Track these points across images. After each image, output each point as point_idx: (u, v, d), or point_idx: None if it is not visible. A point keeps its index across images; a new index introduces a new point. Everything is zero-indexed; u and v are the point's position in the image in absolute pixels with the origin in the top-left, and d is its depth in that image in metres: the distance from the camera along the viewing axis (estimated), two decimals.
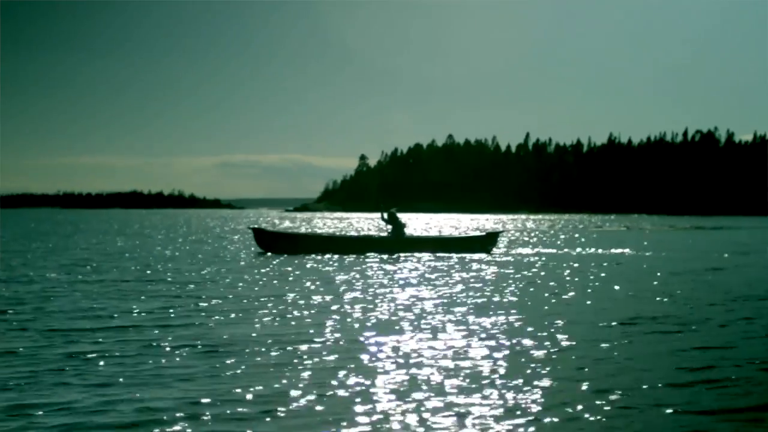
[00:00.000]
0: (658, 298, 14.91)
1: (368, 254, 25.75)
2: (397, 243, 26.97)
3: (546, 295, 15.32)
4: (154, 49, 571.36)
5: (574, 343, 10.02)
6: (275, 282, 16.79)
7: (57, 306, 12.18)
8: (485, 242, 28.30)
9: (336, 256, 24.98)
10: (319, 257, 24.62)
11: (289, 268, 20.32)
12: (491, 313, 12.38)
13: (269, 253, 26.59)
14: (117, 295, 13.80)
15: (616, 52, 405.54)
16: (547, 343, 9.98)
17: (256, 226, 30.24)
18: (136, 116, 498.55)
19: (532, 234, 48.75)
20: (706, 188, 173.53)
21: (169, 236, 41.69)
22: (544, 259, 25.69)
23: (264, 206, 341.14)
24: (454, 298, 14.39)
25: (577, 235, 47.15)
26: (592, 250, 31.29)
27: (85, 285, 15.08)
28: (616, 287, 16.89)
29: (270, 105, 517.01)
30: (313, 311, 12.34)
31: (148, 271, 19.05)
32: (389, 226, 27.37)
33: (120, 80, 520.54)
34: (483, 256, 25.99)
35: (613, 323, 11.80)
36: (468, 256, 25.69)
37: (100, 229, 52.94)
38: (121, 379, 7.69)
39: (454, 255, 25.81)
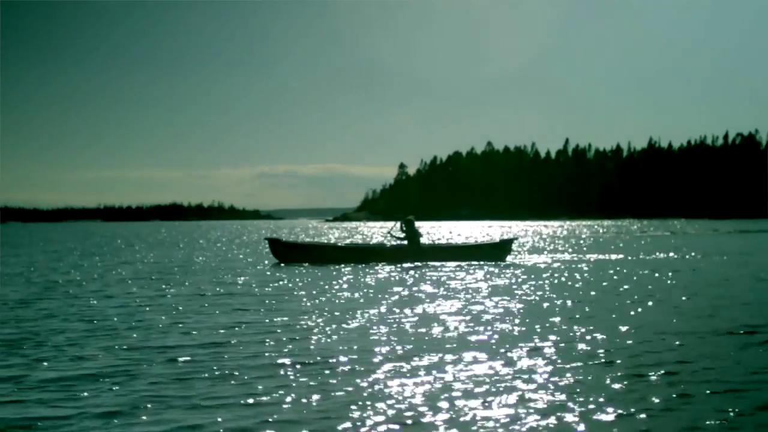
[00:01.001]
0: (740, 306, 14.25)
1: (383, 264, 25.60)
2: (412, 252, 26.81)
3: (627, 302, 14.88)
4: (192, 62, 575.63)
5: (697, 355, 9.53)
6: (310, 292, 16.67)
7: (151, 321, 12.08)
8: (499, 250, 28.01)
9: (350, 266, 24.90)
10: (337, 267, 24.52)
11: (303, 279, 20.23)
12: (555, 325, 11.94)
13: (283, 264, 26.44)
14: (198, 308, 13.86)
15: (656, 56, 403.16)
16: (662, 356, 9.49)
17: (271, 236, 30.21)
18: (176, 129, 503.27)
19: (584, 240, 48.42)
20: (747, 191, 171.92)
21: (206, 245, 41.88)
22: (590, 265, 25.55)
23: (304, 216, 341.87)
24: (512, 307, 13.97)
25: (623, 241, 46.88)
26: (662, 255, 30.94)
27: (167, 299, 14.96)
28: (688, 296, 16.16)
29: (308, 115, 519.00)
30: (347, 322, 12.13)
31: (211, 284, 19.15)
32: (404, 235, 27.17)
33: (159, 94, 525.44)
34: (496, 263, 25.81)
35: (708, 332, 11.27)
36: (483, 263, 25.58)
37: (154, 242, 53.36)
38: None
39: (468, 263, 25.59)
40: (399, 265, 24.94)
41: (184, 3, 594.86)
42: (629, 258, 29.53)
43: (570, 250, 35.89)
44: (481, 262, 25.89)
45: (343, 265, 25.06)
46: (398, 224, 27.81)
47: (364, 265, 25.31)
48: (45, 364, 8.94)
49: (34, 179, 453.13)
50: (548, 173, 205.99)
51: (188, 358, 9.12)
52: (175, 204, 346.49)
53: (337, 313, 13.08)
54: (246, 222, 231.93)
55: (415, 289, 17.37)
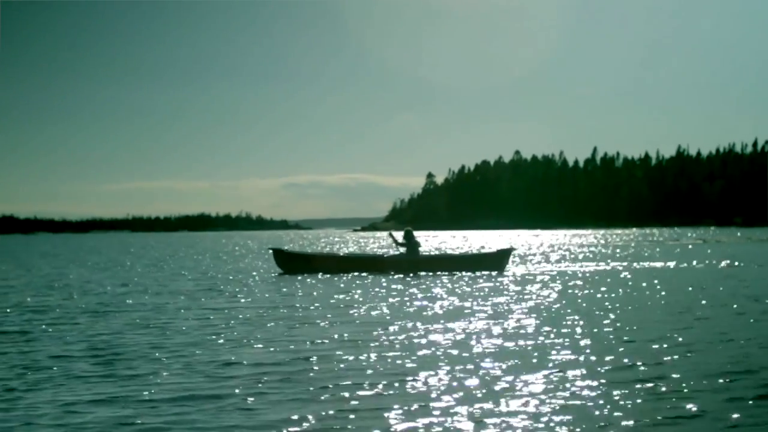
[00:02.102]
0: None
1: (383, 274, 25.48)
2: (411, 262, 26.74)
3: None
4: (219, 75, 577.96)
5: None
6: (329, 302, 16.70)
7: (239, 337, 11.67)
8: (497, 260, 27.85)
9: (348, 276, 24.95)
10: (337, 276, 24.54)
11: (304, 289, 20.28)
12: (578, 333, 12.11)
13: (287, 274, 26.49)
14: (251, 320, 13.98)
15: (684, 62, 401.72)
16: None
17: (275, 247, 30.13)
18: (204, 141, 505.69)
19: (616, 248, 48.26)
20: None
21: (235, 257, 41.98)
22: (626, 275, 25.49)
23: (331, 226, 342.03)
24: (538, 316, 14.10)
25: (656, 249, 46.70)
26: (713, 263, 30.65)
27: (237, 312, 14.77)
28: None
29: (334, 126, 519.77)
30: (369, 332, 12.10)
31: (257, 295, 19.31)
32: (402, 248, 27.09)
33: (186, 106, 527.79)
34: (495, 273, 25.52)
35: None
36: (481, 273, 25.29)
37: (193, 252, 53.61)
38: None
39: (468, 273, 25.39)
40: (400, 276, 24.86)
41: (212, 17, 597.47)
42: (634, 266, 29.37)
43: (597, 259, 35.77)
44: (479, 273, 25.63)
45: (344, 275, 25.06)
46: (393, 235, 27.83)
47: (366, 274, 25.33)
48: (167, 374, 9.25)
49: (63, 191, 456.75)
50: (577, 182, 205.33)
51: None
52: (203, 215, 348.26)
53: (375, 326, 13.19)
54: (274, 232, 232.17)
55: (423, 298, 17.49)
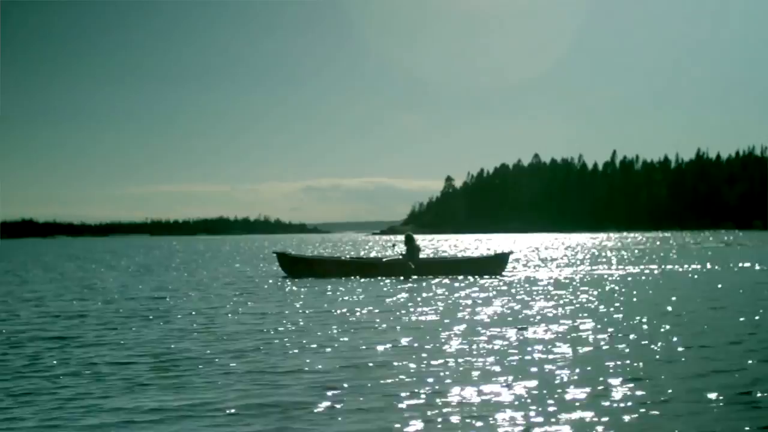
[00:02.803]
0: None
1: (384, 278, 25.56)
2: (411, 266, 26.66)
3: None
4: (239, 79, 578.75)
5: None
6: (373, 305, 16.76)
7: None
8: (495, 263, 27.77)
9: (349, 279, 25.13)
10: (342, 280, 24.65)
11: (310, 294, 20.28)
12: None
13: (291, 277, 26.71)
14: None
15: (701, 65, 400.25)
16: None
17: (279, 250, 30.31)
18: (222, 144, 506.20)
19: (653, 252, 48.00)
20: None
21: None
22: (659, 277, 25.42)
23: (350, 230, 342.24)
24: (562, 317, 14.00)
25: (674, 252, 46.46)
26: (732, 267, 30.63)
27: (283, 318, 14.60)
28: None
29: (353, 129, 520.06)
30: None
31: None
32: (404, 249, 27.17)
33: (205, 110, 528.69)
34: (493, 277, 25.59)
35: None
36: (479, 278, 25.22)
37: (219, 256, 53.82)
38: None
39: (466, 277, 25.38)
40: (400, 279, 24.94)
41: (233, 21, 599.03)
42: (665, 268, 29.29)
43: (612, 262, 35.68)
44: (478, 277, 25.58)
45: (344, 279, 25.20)
46: (396, 242, 27.92)
47: (368, 278, 25.40)
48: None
49: (82, 194, 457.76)
50: (596, 185, 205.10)
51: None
52: (222, 218, 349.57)
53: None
54: (292, 236, 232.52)
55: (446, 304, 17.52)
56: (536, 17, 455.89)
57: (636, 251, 48.77)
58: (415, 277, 25.80)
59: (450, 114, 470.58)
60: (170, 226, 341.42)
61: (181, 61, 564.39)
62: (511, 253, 29.58)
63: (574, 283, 22.56)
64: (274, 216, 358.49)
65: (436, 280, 24.44)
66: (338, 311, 15.30)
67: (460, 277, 25.15)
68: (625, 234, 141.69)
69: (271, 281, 24.91)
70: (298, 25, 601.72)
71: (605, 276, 25.90)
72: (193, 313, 15.40)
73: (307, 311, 15.42)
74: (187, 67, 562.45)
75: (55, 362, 9.92)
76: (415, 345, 11.00)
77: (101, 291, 21.55)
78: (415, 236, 27.62)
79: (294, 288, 21.68)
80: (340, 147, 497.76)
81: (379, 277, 25.65)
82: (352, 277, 25.66)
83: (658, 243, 72.14)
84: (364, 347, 10.84)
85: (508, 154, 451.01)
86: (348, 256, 31.75)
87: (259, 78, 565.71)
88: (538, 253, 46.75)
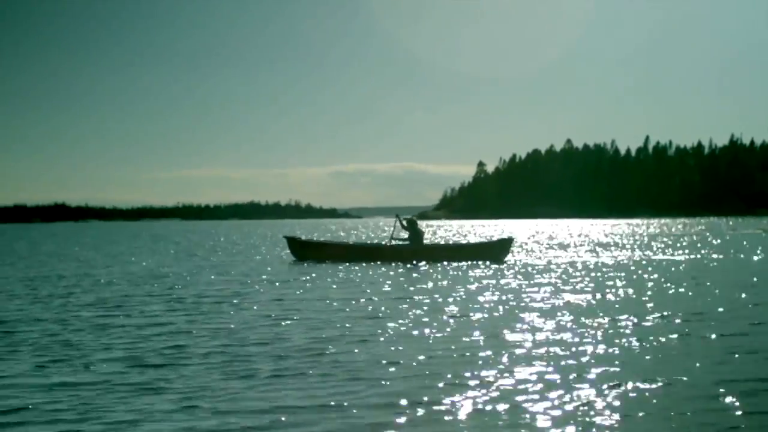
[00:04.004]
0: None
1: (389, 262, 25.78)
2: (412, 252, 26.97)
3: None
4: (267, 63, 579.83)
5: None
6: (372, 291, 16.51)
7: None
8: (498, 250, 27.78)
9: (359, 263, 25.49)
10: (347, 265, 24.87)
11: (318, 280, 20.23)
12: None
13: (300, 261, 27.35)
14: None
15: (735, 50, 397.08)
16: None
17: (289, 235, 30.75)
18: (253, 128, 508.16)
19: (682, 238, 47.49)
20: None
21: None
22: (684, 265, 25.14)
23: (380, 215, 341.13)
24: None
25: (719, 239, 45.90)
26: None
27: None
28: None
29: (383, 114, 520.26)
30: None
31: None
32: (407, 235, 27.33)
33: (236, 94, 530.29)
34: (496, 263, 25.44)
35: None
36: (481, 263, 25.20)
37: (259, 240, 53.81)
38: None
39: (467, 263, 25.35)
40: (404, 264, 25.17)
41: (258, 4, 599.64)
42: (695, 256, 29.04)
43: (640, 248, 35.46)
44: (480, 262, 25.56)
45: (351, 264, 25.49)
46: (397, 223, 28.09)
47: (375, 263, 25.73)
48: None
49: (114, 178, 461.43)
50: (628, 171, 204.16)
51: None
52: (252, 203, 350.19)
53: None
54: (323, 221, 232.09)
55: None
56: (569, 4, 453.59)
57: (683, 239, 48.29)
58: (421, 262, 25.92)
59: (481, 99, 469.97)
60: (201, 211, 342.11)
61: (213, 46, 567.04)
62: (512, 239, 29.69)
63: (621, 269, 22.44)
64: (305, 201, 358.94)
65: (453, 265, 24.50)
66: (407, 296, 15.24)
67: (467, 263, 25.10)
68: (658, 220, 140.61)
69: (287, 267, 24.83)
70: (331, 11, 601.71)
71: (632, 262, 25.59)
72: (265, 299, 15.30)
73: (380, 298, 15.27)
74: (219, 52, 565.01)
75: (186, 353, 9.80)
76: (500, 331, 10.82)
77: (164, 277, 21.47)
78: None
79: (307, 274, 21.57)
80: (370, 132, 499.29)
81: (387, 262, 25.90)
82: (361, 262, 25.93)
83: (699, 228, 71.24)
84: (450, 336, 10.73)
85: (539, 139, 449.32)
86: (352, 241, 31.92)
87: (292, 63, 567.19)
88: (586, 239, 46.39)
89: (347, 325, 11.75)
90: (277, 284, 18.54)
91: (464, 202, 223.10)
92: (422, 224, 28.05)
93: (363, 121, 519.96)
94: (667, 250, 32.95)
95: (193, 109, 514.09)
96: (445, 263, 25.24)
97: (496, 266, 24.00)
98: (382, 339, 10.47)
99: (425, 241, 28.53)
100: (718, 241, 43.60)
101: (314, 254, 27.91)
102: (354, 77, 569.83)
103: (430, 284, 18.11)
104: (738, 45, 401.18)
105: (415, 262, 26.04)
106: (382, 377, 8.21)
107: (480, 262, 25.39)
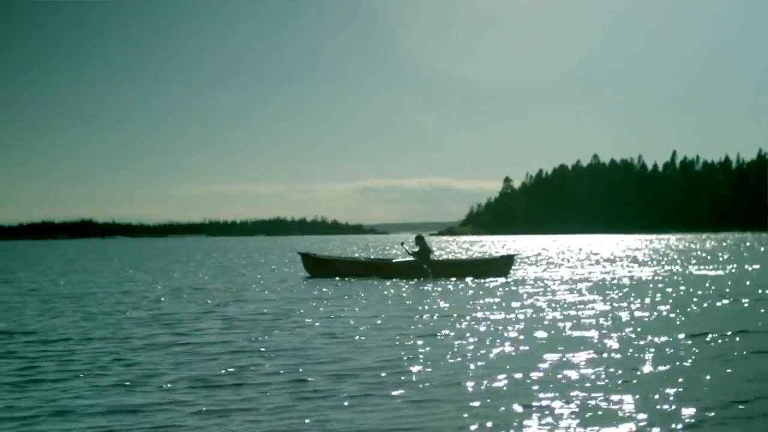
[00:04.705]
0: None
1: (398, 279, 25.99)
2: (417, 268, 26.93)
3: None
4: (295, 80, 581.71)
5: None
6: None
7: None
8: (502, 265, 27.66)
9: (372, 280, 25.84)
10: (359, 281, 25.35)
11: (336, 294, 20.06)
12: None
13: (313, 277, 27.78)
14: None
15: (763, 64, 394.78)
16: None
17: (302, 251, 31.04)
18: (279, 144, 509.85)
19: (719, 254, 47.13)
20: None
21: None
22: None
23: (406, 231, 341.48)
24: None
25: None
26: None
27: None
28: None
29: (409, 130, 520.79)
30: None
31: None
32: (417, 250, 27.51)
33: (262, 111, 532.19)
34: (501, 279, 25.55)
35: None
36: (486, 280, 25.20)
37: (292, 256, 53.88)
38: None
39: (472, 278, 25.57)
40: (413, 280, 25.36)
41: (281, 22, 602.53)
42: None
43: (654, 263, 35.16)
44: (483, 279, 25.55)
45: (360, 279, 26.03)
46: (411, 241, 28.19)
47: (384, 279, 25.95)
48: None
49: (140, 195, 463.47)
50: (656, 186, 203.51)
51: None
52: (279, 219, 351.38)
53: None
54: (348, 237, 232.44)
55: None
56: (591, 11, 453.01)
57: (722, 253, 47.89)
58: (429, 278, 26.04)
59: (506, 114, 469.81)
60: (227, 227, 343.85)
61: (241, 63, 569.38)
62: (517, 255, 29.95)
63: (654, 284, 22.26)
64: (331, 217, 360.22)
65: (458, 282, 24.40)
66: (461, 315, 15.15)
67: (472, 280, 25.28)
68: (687, 235, 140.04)
69: (306, 283, 24.78)
70: (354, 29, 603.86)
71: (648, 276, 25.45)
72: (323, 316, 15.15)
73: (438, 314, 15.19)
74: (248, 68, 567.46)
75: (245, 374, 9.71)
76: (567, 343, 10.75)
77: (215, 293, 21.57)
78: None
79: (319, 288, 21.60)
80: (396, 148, 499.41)
81: (396, 279, 26.10)
82: (371, 278, 26.28)
83: (729, 242, 70.69)
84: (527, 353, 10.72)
85: (565, 154, 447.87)
86: (363, 257, 32.17)
87: (320, 80, 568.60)
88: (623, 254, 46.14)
89: (407, 343, 11.66)
90: (326, 302, 18.44)
91: (491, 218, 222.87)
92: (431, 241, 28.20)
93: (389, 137, 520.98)
94: (708, 265, 32.67)
95: (219, 125, 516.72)
96: (448, 280, 25.38)
97: (507, 280, 24.58)
98: (448, 358, 10.33)
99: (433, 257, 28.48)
100: (747, 254, 43.18)
101: (325, 270, 28.28)
102: (380, 93, 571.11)
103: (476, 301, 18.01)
104: (765, 58, 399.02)
105: (419, 278, 26.19)
106: (459, 398, 8.11)
107: (483, 279, 25.41)
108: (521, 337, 12.13)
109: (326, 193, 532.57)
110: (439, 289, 21.95)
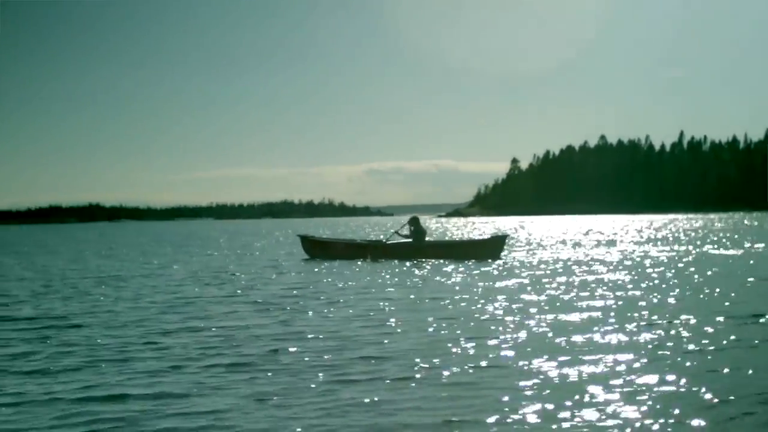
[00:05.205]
0: None
1: (392, 260, 26.28)
2: (409, 249, 27.36)
3: None
4: (302, 63, 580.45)
5: None
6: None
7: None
8: (492, 247, 27.79)
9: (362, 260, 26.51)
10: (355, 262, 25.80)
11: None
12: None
13: (312, 258, 28.50)
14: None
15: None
16: None
17: (302, 234, 31.44)
18: (285, 127, 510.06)
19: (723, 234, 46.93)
20: None
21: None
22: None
23: (414, 212, 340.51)
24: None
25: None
26: None
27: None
28: None
29: (416, 112, 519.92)
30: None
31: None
32: (408, 233, 27.79)
33: (268, 94, 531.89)
34: (491, 260, 25.78)
35: None
36: (476, 261, 25.25)
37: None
38: None
39: (464, 260, 25.64)
40: (403, 261, 25.65)
41: (290, 6, 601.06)
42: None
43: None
44: (475, 260, 25.55)
45: (359, 261, 26.46)
46: (406, 224, 28.35)
47: (380, 260, 26.46)
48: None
49: (147, 179, 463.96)
50: (663, 166, 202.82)
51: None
52: (286, 201, 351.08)
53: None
54: (357, 219, 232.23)
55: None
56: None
57: (738, 233, 47.73)
58: (422, 259, 26.27)
59: (511, 96, 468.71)
60: (235, 210, 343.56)
61: (249, 47, 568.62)
62: (507, 236, 29.97)
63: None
64: (338, 199, 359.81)
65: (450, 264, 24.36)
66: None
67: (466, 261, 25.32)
68: (695, 215, 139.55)
69: (309, 264, 24.91)
70: (362, 15, 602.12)
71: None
72: (352, 300, 15.07)
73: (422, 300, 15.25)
74: (255, 52, 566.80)
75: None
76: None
77: (231, 279, 21.57)
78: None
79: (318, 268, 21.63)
80: (403, 130, 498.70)
81: (390, 260, 26.41)
82: (366, 260, 26.71)
83: (738, 221, 70.29)
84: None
85: (572, 135, 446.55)
86: (359, 239, 32.48)
87: (322, 62, 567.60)
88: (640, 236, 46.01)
89: (443, 325, 11.64)
90: (348, 283, 18.44)
91: (498, 199, 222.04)
92: (425, 222, 28.41)
93: (395, 119, 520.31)
94: (722, 246, 32.58)
95: (226, 109, 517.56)
96: (437, 261, 25.57)
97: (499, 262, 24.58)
98: (489, 340, 10.33)
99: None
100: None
101: (323, 252, 28.97)
102: (387, 77, 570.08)
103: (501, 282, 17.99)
104: None
105: (410, 259, 26.38)
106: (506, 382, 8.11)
107: (474, 260, 25.46)
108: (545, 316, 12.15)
109: (333, 176, 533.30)
110: (461, 268, 22.11)
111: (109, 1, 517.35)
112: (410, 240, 27.72)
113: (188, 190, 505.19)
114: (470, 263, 24.44)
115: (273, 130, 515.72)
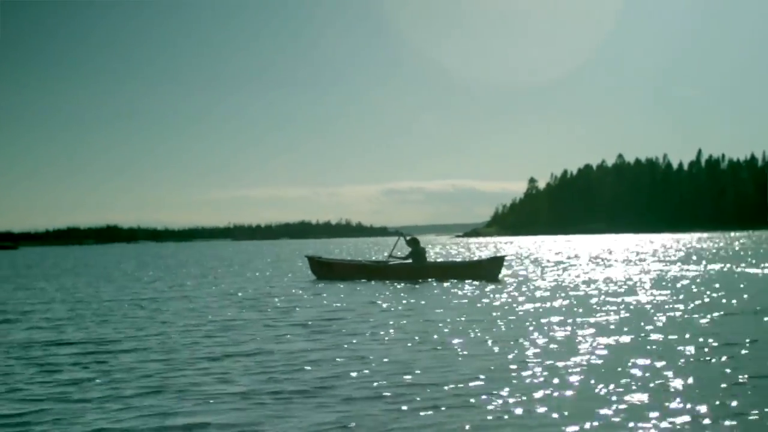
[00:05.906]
0: None
1: (397, 281, 26.33)
2: (408, 270, 27.46)
3: None
4: (318, 83, 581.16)
5: None
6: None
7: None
8: (490, 268, 27.66)
9: (369, 282, 26.61)
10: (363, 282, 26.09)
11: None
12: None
13: (319, 279, 28.66)
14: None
15: None
16: None
17: (309, 254, 31.67)
18: (303, 148, 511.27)
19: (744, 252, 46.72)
20: None
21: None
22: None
23: (431, 233, 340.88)
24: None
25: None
26: None
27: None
28: None
29: (433, 132, 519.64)
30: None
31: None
32: (407, 254, 27.96)
33: (286, 114, 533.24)
34: (490, 280, 25.80)
35: None
36: (475, 282, 25.29)
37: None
38: None
39: (462, 281, 25.63)
40: (403, 282, 25.78)
41: (311, 25, 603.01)
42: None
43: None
44: (473, 281, 25.60)
45: (365, 281, 26.72)
46: (399, 241, 28.85)
47: (379, 281, 26.63)
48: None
49: (165, 201, 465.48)
50: (681, 185, 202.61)
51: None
52: (303, 222, 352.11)
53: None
54: (373, 239, 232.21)
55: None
56: (613, 7, 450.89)
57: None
58: (421, 280, 26.38)
59: (530, 115, 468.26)
60: (252, 231, 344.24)
61: (267, 68, 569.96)
62: (505, 257, 30.05)
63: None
64: (356, 219, 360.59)
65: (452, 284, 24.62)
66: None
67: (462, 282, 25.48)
68: (712, 234, 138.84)
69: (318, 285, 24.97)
70: (380, 29, 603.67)
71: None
72: (389, 319, 15.12)
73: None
74: (274, 73, 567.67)
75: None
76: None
77: (266, 299, 21.59)
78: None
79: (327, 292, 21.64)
80: (420, 150, 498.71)
81: (395, 281, 26.52)
82: (372, 281, 26.90)
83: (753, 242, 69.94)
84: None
85: (590, 154, 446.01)
86: (364, 260, 32.59)
87: (342, 84, 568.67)
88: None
89: (496, 349, 11.59)
90: (384, 305, 18.42)
91: (516, 219, 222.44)
92: (425, 243, 28.55)
93: (413, 140, 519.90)
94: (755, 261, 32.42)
95: (243, 129, 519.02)
96: (436, 281, 25.75)
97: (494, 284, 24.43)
98: (552, 362, 10.24)
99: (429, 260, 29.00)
100: None
101: (329, 273, 29.06)
102: (404, 96, 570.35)
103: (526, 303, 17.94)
104: None
105: (410, 280, 26.52)
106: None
107: (472, 281, 25.52)
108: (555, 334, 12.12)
109: (351, 196, 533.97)
110: (508, 288, 22.23)
111: (127, 22, 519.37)
112: (410, 261, 27.88)
113: (206, 212, 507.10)
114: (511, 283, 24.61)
115: (290, 151, 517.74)
